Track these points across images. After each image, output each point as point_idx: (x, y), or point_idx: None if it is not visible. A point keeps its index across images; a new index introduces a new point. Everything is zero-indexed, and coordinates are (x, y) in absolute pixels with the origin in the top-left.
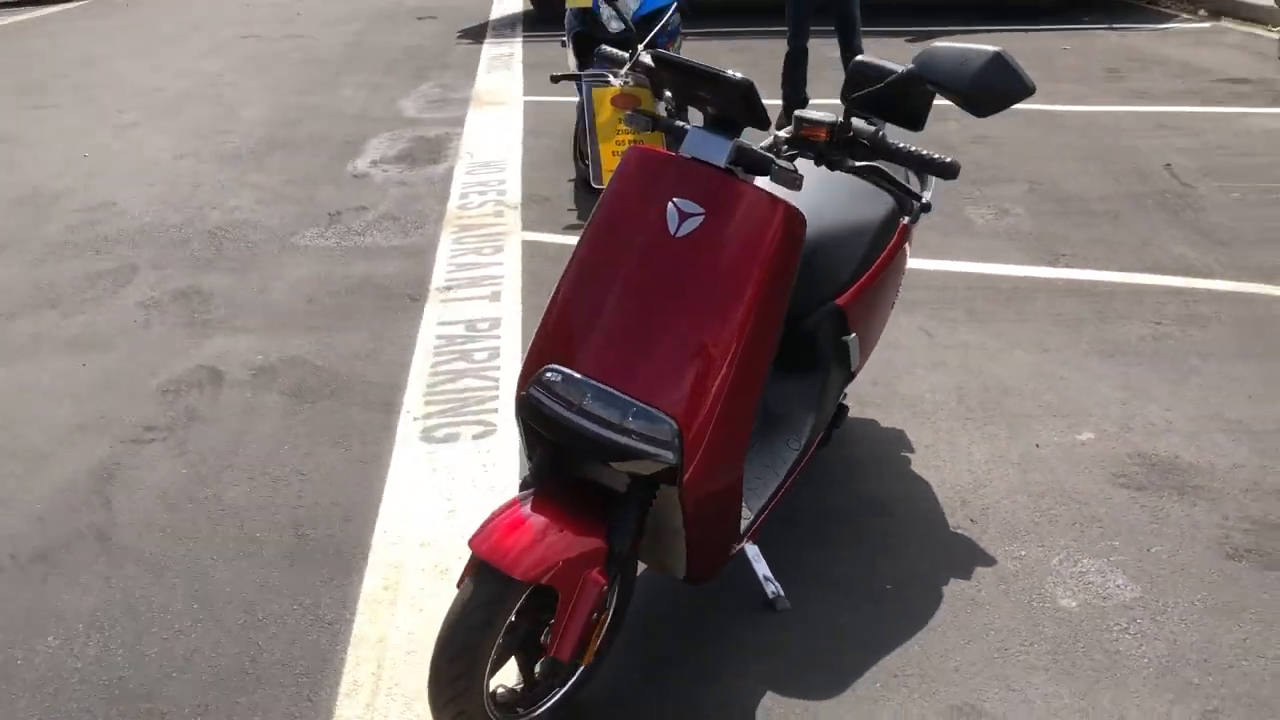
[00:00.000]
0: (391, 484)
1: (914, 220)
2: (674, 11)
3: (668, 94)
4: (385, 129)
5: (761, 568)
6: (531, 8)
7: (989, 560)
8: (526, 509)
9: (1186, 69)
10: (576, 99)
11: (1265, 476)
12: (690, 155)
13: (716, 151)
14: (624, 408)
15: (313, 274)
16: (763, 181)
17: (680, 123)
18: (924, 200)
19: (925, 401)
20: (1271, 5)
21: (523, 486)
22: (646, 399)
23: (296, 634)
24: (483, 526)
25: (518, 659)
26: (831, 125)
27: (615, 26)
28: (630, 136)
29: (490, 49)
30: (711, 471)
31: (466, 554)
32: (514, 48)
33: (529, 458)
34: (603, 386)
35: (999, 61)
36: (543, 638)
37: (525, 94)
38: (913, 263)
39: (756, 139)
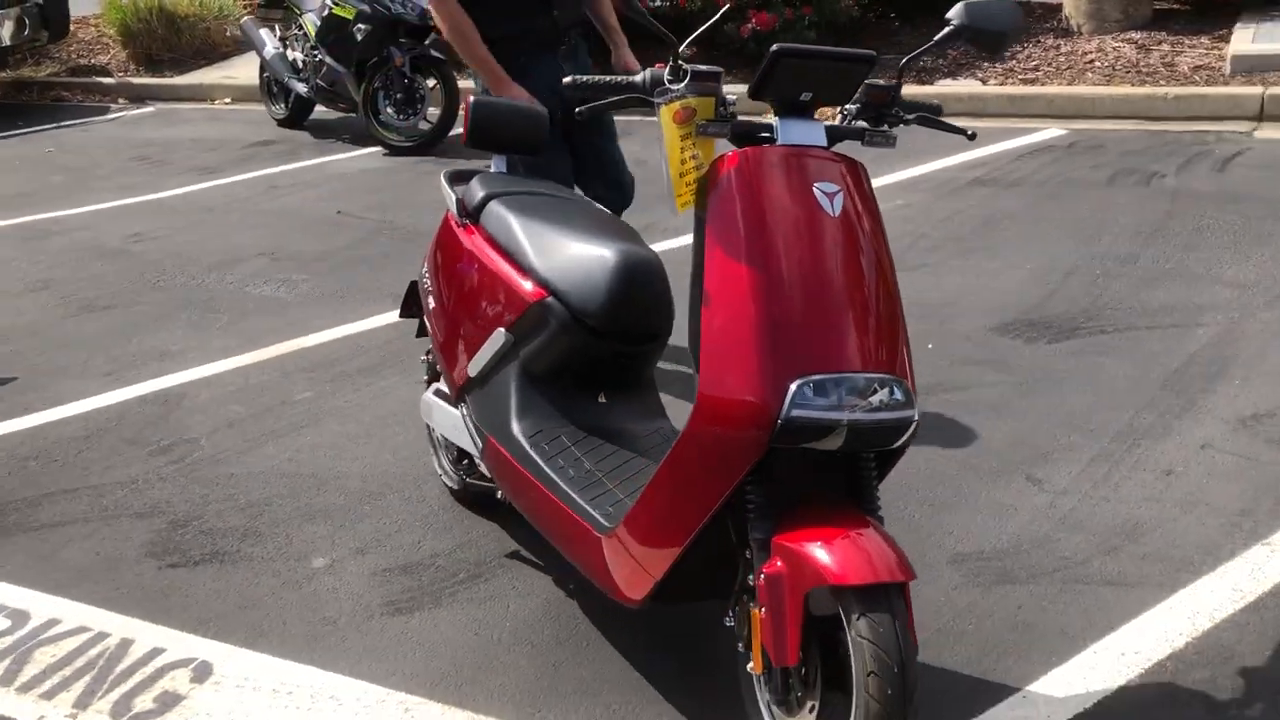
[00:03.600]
0: None
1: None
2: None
3: (730, 97)
4: None
5: None
6: None
7: None
8: (818, 526)
9: (208, 143)
10: None
11: None
12: (793, 144)
13: (816, 135)
14: (887, 386)
15: None
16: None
17: (765, 120)
18: (970, 132)
19: None
20: (205, 84)
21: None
22: (889, 369)
23: None
24: (825, 559)
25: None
26: (889, 88)
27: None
28: (692, 154)
29: None
30: None
31: None
32: None
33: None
34: (869, 375)
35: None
36: None
37: None
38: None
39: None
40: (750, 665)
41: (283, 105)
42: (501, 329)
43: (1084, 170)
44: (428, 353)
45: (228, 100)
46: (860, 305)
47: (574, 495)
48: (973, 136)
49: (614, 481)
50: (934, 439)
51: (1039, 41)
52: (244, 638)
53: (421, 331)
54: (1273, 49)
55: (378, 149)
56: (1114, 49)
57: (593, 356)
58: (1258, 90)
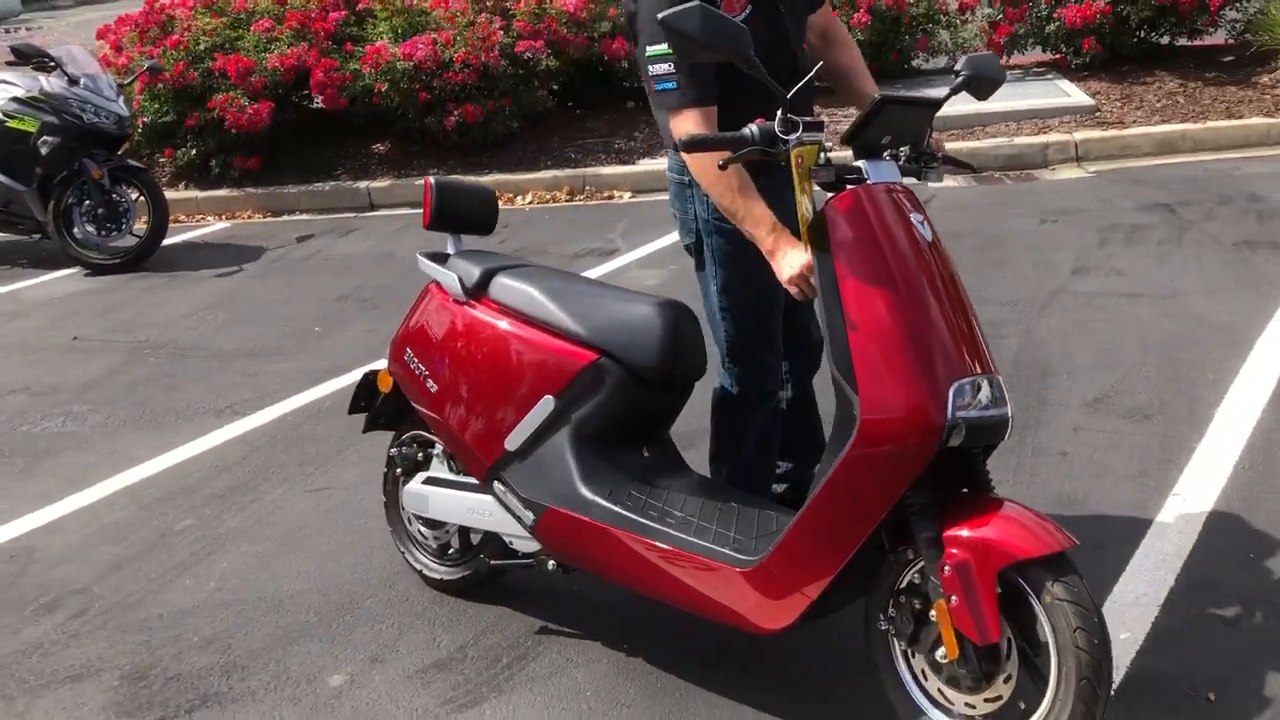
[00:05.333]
0: None
1: None
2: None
3: (827, 143)
4: None
5: None
6: None
7: None
8: (978, 515)
9: None
10: None
11: None
12: (881, 182)
13: (896, 174)
14: (997, 384)
15: None
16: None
17: (851, 163)
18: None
19: None
20: None
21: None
22: (993, 369)
23: None
24: (1006, 540)
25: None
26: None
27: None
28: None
29: None
30: None
31: None
32: None
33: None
34: (989, 375)
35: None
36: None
37: None
38: None
39: None
40: (941, 653)
41: None
42: (549, 396)
43: None
44: (398, 446)
45: None
46: (964, 315)
47: (693, 540)
48: (979, 171)
49: (713, 523)
50: None
51: None
52: None
53: (371, 427)
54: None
55: (75, 269)
56: None
57: (643, 410)
58: None
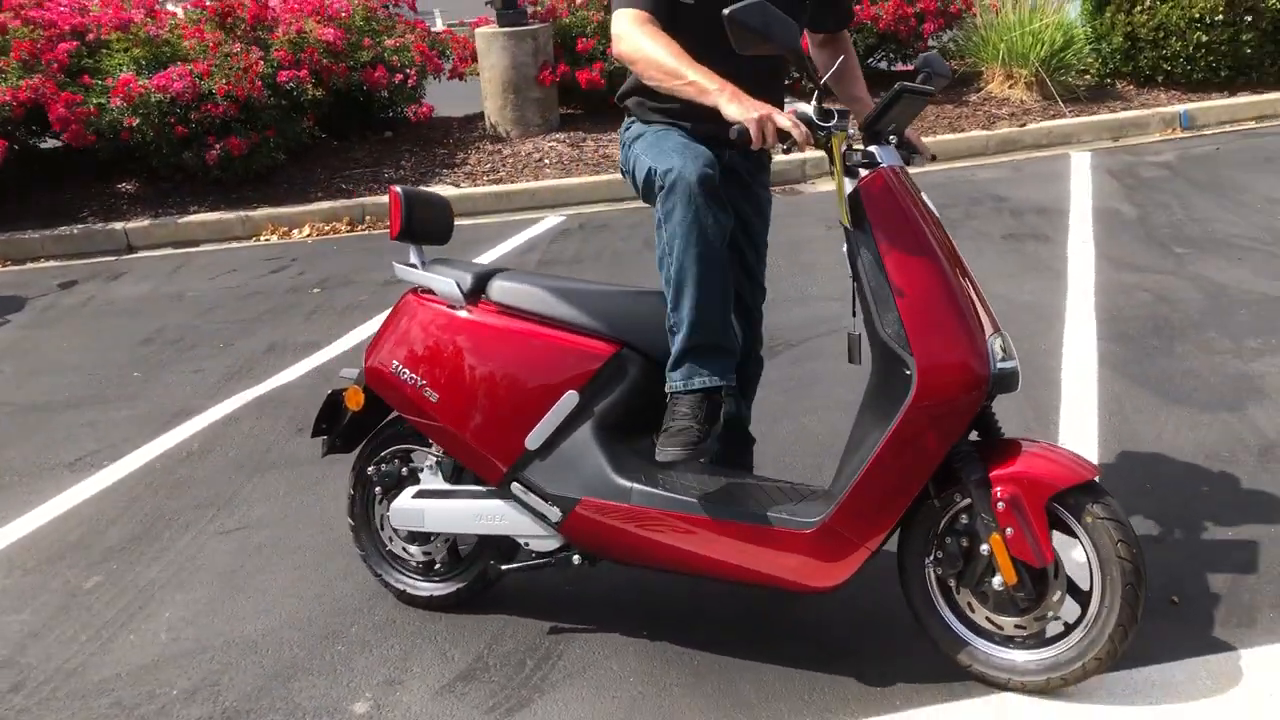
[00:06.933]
0: None
1: None
2: None
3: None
4: None
5: None
6: None
7: None
8: (1014, 456)
9: None
10: None
11: None
12: (889, 165)
13: (897, 158)
14: (1010, 342)
15: None
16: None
17: (862, 149)
18: (932, 154)
19: None
20: None
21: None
22: (1000, 328)
23: None
24: (1050, 473)
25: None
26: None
27: None
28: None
29: None
30: None
31: None
32: None
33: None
34: (1004, 333)
35: None
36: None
37: None
38: None
39: None
40: (998, 581)
41: None
42: (572, 391)
43: (617, 242)
44: (377, 464)
45: None
46: (973, 279)
47: (742, 510)
48: (934, 158)
49: (751, 494)
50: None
51: (478, 147)
52: None
53: (331, 450)
54: None
55: None
56: (550, 147)
57: (658, 398)
58: None
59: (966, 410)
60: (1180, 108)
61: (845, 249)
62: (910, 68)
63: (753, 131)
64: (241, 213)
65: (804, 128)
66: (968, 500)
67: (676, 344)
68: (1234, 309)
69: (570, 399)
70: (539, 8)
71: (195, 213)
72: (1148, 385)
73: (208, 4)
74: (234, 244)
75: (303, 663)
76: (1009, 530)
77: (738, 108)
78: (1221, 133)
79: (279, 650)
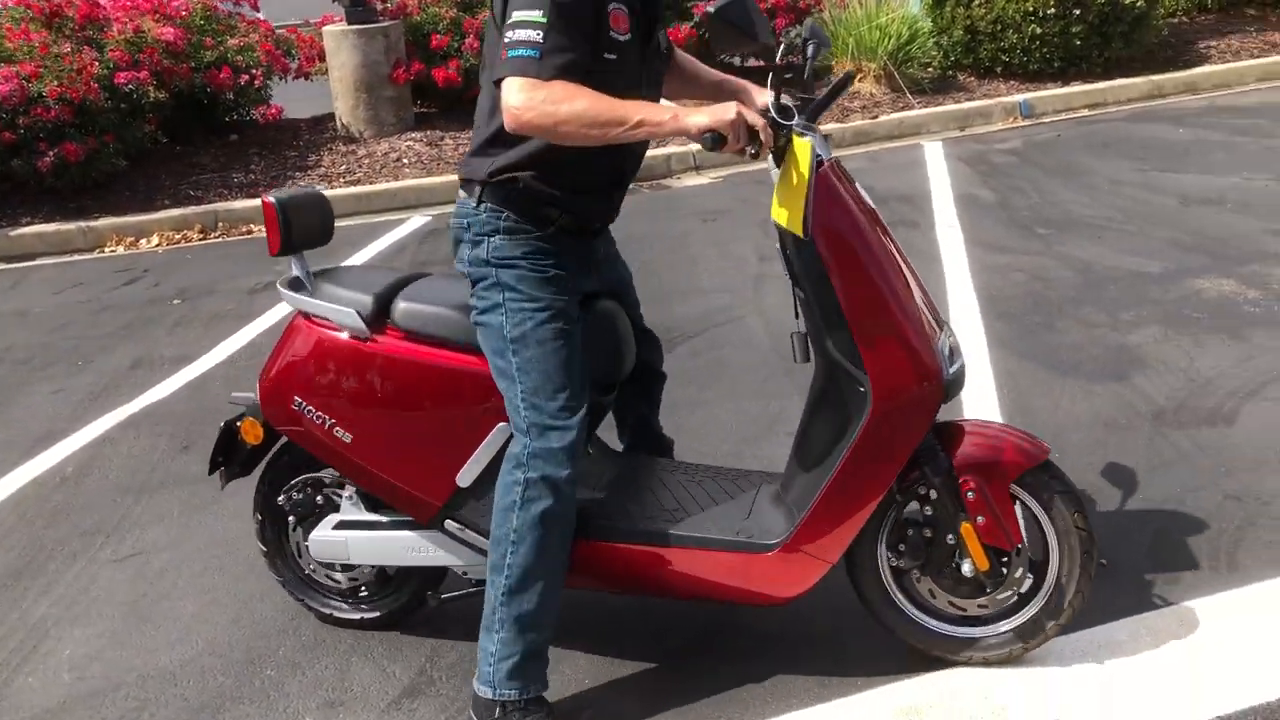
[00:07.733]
0: None
1: None
2: None
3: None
4: None
5: None
6: None
7: None
8: (973, 440)
9: None
10: None
11: None
12: (827, 159)
13: (828, 148)
14: (956, 338)
15: None
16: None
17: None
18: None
19: None
20: None
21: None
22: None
23: None
24: (1009, 459)
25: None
26: None
27: None
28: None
29: None
30: None
31: None
32: None
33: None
34: (949, 329)
35: None
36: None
37: None
38: None
39: None
40: (968, 567)
41: None
42: (503, 424)
43: None
44: (287, 492)
45: None
46: (914, 269)
47: (703, 536)
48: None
49: (708, 509)
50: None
51: (331, 148)
52: None
53: (231, 479)
54: None
55: None
56: (407, 146)
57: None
58: None
59: (925, 419)
60: (1020, 97)
61: (781, 253)
62: (761, 63)
63: (731, 135)
64: (82, 223)
65: (770, 129)
66: (930, 490)
67: (508, 647)
68: (1103, 284)
69: (502, 432)
70: (388, 5)
71: (29, 224)
72: (1037, 360)
73: (33, 3)
74: (76, 256)
75: (230, 691)
76: (980, 518)
77: (703, 118)
78: (1059, 120)
79: (201, 680)
